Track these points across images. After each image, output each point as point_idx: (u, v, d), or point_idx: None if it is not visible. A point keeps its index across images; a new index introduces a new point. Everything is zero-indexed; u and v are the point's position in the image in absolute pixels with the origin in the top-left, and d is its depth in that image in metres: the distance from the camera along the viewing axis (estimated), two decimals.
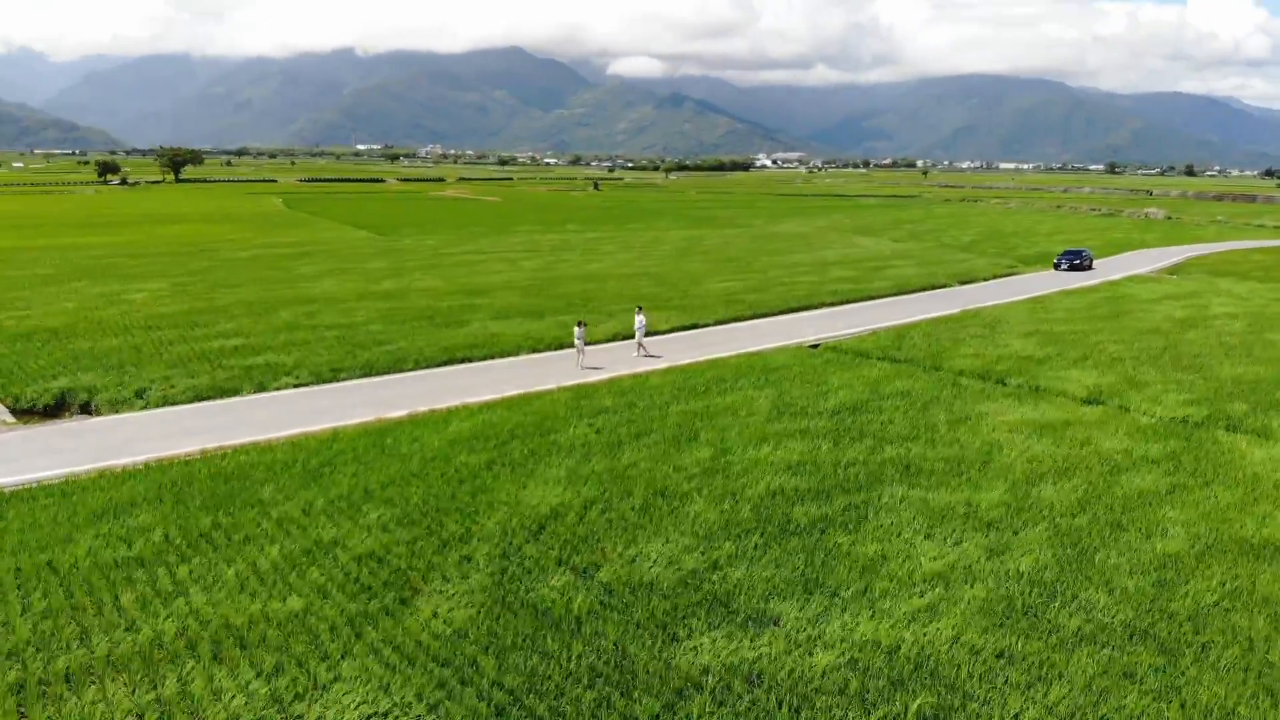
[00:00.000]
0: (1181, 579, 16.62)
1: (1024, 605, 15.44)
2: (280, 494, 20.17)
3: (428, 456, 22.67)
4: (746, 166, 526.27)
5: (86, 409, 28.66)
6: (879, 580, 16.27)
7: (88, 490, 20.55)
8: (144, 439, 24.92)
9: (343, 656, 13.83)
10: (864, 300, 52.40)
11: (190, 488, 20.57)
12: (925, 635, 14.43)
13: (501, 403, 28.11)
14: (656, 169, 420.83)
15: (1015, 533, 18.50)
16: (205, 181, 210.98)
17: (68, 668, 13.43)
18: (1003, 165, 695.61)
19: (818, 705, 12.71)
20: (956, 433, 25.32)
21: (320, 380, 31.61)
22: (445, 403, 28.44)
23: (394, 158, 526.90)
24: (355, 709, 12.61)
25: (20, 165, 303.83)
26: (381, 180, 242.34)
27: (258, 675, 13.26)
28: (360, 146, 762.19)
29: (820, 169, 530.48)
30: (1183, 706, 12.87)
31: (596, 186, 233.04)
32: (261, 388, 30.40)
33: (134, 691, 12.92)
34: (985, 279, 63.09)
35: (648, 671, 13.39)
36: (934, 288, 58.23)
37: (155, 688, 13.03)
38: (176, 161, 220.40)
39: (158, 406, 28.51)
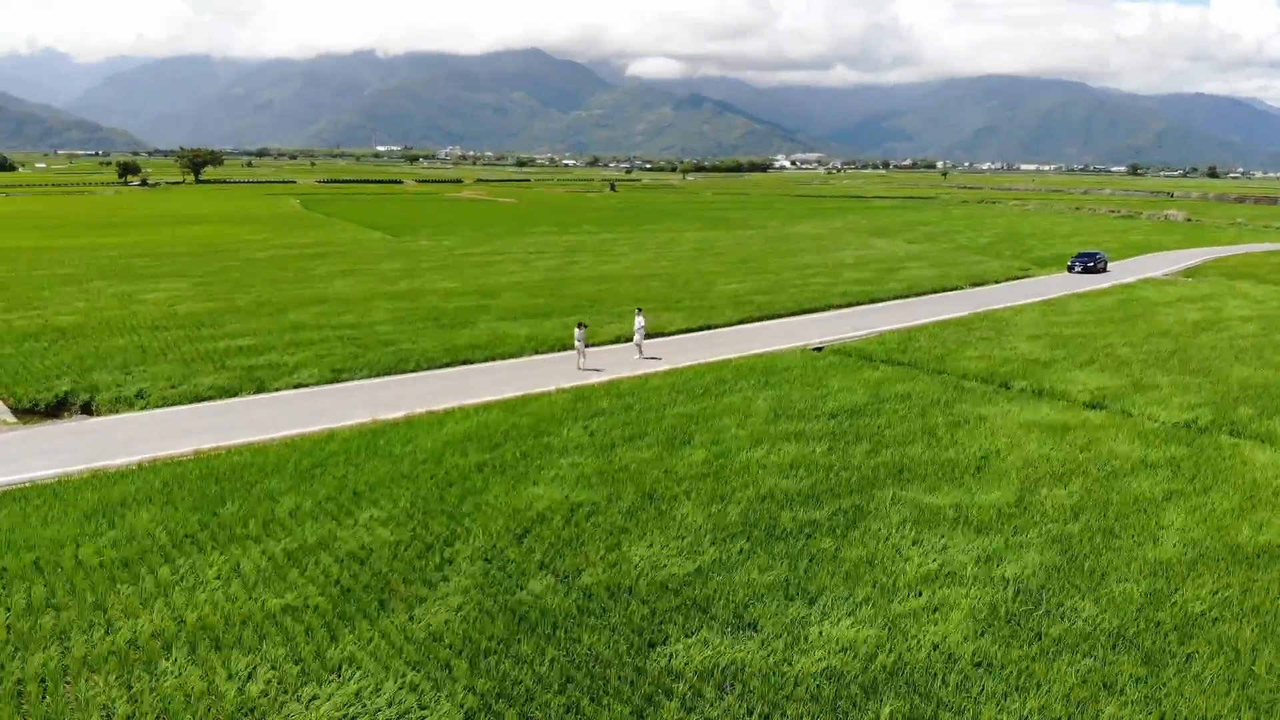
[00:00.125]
0: (1172, 587, 16.37)
1: (1008, 613, 15.24)
2: (269, 495, 20.19)
3: (420, 459, 22.65)
4: (765, 167, 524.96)
5: (87, 409, 28.83)
6: (862, 586, 16.11)
7: (80, 490, 20.65)
8: (141, 439, 25.04)
9: (316, 657, 13.80)
10: (874, 302, 52.17)
11: (181, 489, 20.62)
12: (904, 642, 14.26)
13: (498, 404, 28.08)
14: (673, 170, 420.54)
15: (1005, 539, 18.28)
16: (224, 182, 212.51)
17: (42, 666, 13.46)
18: (1023, 166, 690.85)
19: (788, 712, 12.58)
20: (954, 436, 25.09)
21: (322, 381, 31.69)
22: (443, 404, 28.44)
23: (413, 159, 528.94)
24: (329, 712, 12.56)
25: (43, 166, 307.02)
26: (399, 182, 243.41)
27: (230, 677, 13.24)
28: (380, 148, 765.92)
29: (839, 170, 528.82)
30: (1162, 718, 12.66)
31: (613, 188, 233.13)
32: (261, 388, 30.50)
33: (106, 691, 12.92)
34: (997, 281, 62.70)
35: (619, 677, 13.29)
36: (946, 290, 57.90)
37: (128, 687, 13.03)
38: (196, 162, 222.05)
39: (158, 407, 28.65)
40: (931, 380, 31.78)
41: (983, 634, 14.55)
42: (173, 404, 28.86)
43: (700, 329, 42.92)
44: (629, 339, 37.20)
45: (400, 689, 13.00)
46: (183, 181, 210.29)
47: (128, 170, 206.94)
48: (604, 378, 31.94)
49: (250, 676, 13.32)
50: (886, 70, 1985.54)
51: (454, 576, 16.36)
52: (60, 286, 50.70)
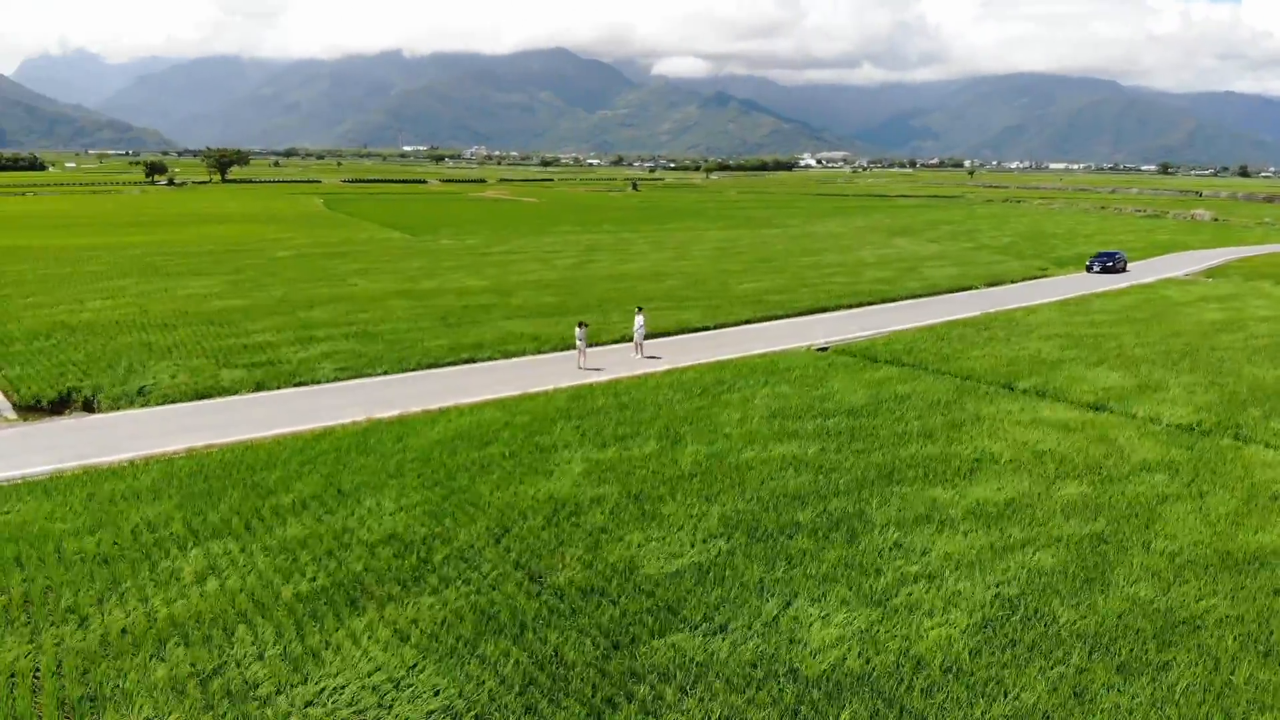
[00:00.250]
0: (1156, 593, 16.06)
1: (984, 619, 14.99)
2: (255, 493, 20.25)
3: (408, 458, 22.66)
4: (790, 166, 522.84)
5: (89, 406, 29.06)
6: (839, 589, 15.91)
7: (72, 487, 20.79)
8: (138, 436, 25.20)
9: (283, 656, 13.79)
10: (886, 302, 51.81)
11: (169, 486, 20.74)
12: (873, 647, 14.06)
13: (494, 403, 28.06)
14: (697, 169, 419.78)
15: (991, 543, 18.00)
16: (250, 182, 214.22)
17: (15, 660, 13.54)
18: (1052, 166, 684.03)
19: (748, 716, 12.42)
20: (951, 437, 24.79)
21: (324, 379, 31.80)
22: (440, 403, 28.46)
23: (439, 159, 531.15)
24: (285, 709, 12.54)
25: (73, 165, 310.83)
26: (423, 181, 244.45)
27: (194, 674, 13.25)
28: (406, 148, 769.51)
29: (865, 169, 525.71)
30: None
31: (635, 187, 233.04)
32: (261, 386, 30.63)
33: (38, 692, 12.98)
34: (1013, 281, 62.08)
35: (581, 679, 13.18)
36: (961, 290, 57.40)
37: (63, 688, 13.07)
38: (223, 162, 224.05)
39: (158, 404, 28.84)
40: (934, 380, 31.45)
41: (954, 640, 14.32)
42: (173, 401, 29.04)
43: (707, 328, 42.76)
44: (631, 339, 37.13)
45: (362, 689, 12.95)
46: (209, 181, 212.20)
47: (154, 170, 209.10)
48: (603, 377, 31.85)
49: (216, 673, 13.33)
50: (914, 68, 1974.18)
51: (428, 576, 16.32)
52: (81, 284, 51.16)
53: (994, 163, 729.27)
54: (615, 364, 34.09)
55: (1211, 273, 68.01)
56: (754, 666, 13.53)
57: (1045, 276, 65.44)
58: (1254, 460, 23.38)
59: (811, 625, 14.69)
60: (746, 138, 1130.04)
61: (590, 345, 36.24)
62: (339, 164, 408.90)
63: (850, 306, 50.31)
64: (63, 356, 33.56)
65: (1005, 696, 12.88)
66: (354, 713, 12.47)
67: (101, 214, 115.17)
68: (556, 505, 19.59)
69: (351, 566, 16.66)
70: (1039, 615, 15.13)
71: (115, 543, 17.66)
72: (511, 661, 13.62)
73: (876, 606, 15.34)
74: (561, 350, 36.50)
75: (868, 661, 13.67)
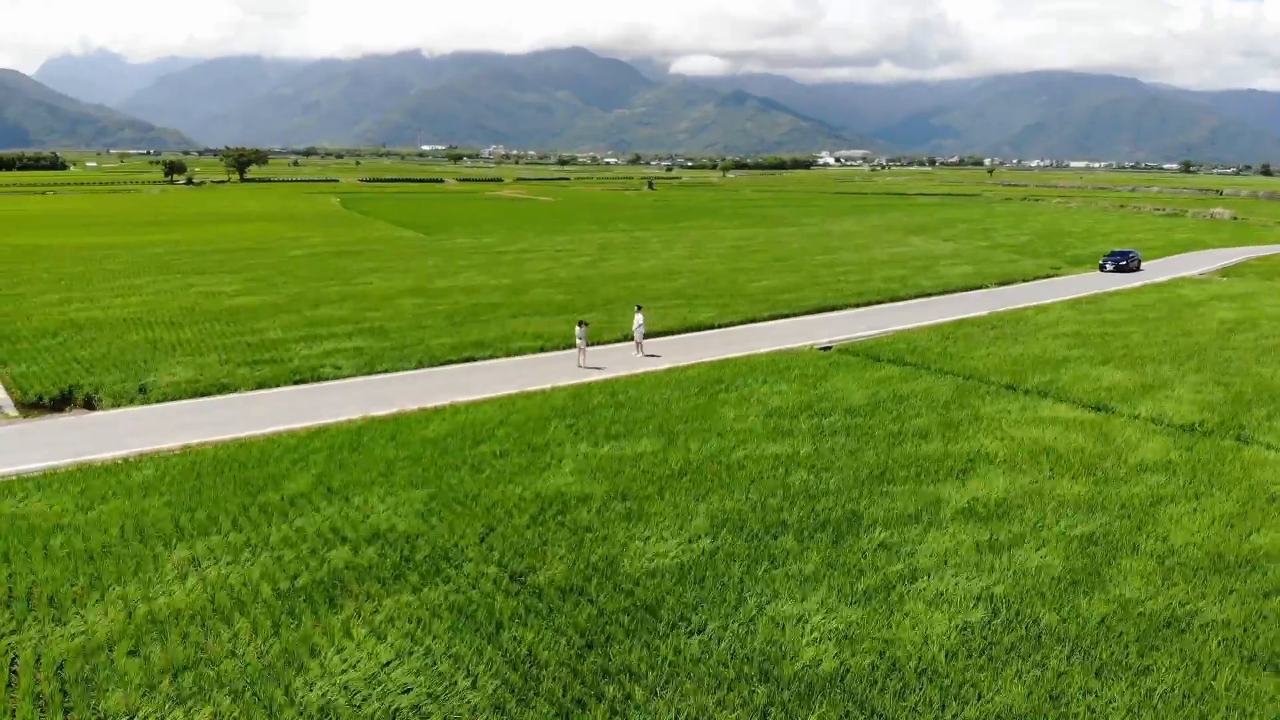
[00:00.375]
0: (1143, 595, 15.85)
1: (964, 621, 14.84)
2: (245, 491, 20.32)
3: (400, 456, 22.68)
4: (808, 164, 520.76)
5: (90, 403, 29.24)
6: (818, 590, 15.79)
7: (64, 484, 20.91)
8: (135, 434, 25.32)
9: (260, 656, 13.80)
10: (899, 301, 51.55)
11: (161, 483, 20.83)
12: (850, 649, 13.94)
13: (490, 402, 28.07)
14: (714, 168, 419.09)
15: (978, 546, 17.82)
16: (268, 181, 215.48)
17: None
18: (1073, 164, 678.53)
19: (717, 717, 12.33)
20: (947, 437, 24.59)
21: (327, 377, 31.90)
22: (439, 401, 28.47)
23: (457, 158, 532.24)
24: None
25: (94, 165, 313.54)
26: (440, 180, 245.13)
27: (167, 670, 13.28)
28: (425, 147, 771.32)
29: (885, 167, 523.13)
30: None
31: (651, 186, 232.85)
32: (263, 384, 30.74)
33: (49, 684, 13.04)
34: (1025, 280, 61.60)
35: (553, 679, 13.13)
36: (972, 289, 57.01)
37: (39, 683, 13.12)
38: (241, 161, 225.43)
39: (158, 401, 28.98)
40: (936, 380, 31.21)
41: (932, 642, 14.17)
42: (174, 399, 29.18)
43: (713, 327, 42.66)
44: (645, 336, 37.08)
45: (332, 686, 12.95)
46: (227, 180, 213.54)
47: (173, 169, 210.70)
48: (602, 376, 31.80)
49: (186, 668, 13.35)
50: (934, 67, 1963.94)
51: (409, 574, 16.31)
52: (93, 283, 51.59)
53: (1014, 161, 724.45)
54: (615, 363, 34.03)
55: (1227, 272, 67.27)
56: (726, 667, 13.43)
57: (1058, 275, 64.91)
58: (1254, 462, 23.07)
59: (788, 626, 14.58)
60: (764, 136, 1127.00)
61: (593, 344, 36.21)
62: (357, 163, 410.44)
63: (860, 305, 50.09)
64: (68, 354, 33.82)
65: (979, 699, 12.73)
66: (321, 710, 12.45)
67: (120, 213, 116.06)
68: (544, 504, 19.55)
69: (334, 565, 16.66)
70: (1021, 618, 14.96)
71: (103, 539, 17.74)
72: (484, 661, 13.58)
73: (857, 608, 15.21)
74: (565, 349, 36.46)
75: (843, 663, 13.55)
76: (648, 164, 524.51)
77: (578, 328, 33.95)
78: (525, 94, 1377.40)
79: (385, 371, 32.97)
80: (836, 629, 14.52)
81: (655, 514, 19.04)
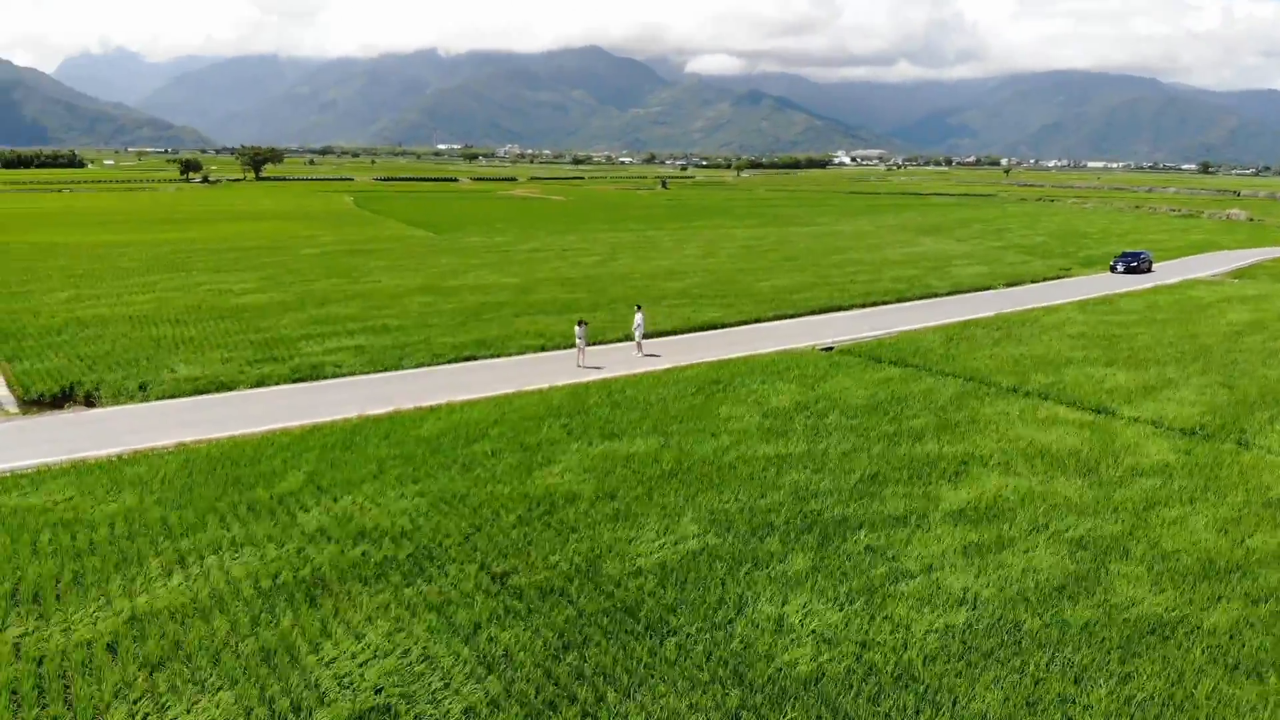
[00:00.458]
0: (1130, 601, 15.68)
1: (945, 625, 14.71)
2: (234, 489, 20.37)
3: (391, 455, 22.70)
4: (823, 164, 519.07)
5: (90, 401, 29.38)
6: (799, 593, 15.69)
7: (57, 480, 21.01)
8: (133, 431, 25.42)
9: (234, 654, 13.81)
10: (906, 301, 51.31)
11: (153, 480, 20.90)
12: (827, 652, 13.85)
13: (485, 401, 28.06)
14: (729, 166, 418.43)
15: (965, 549, 17.68)
16: (283, 180, 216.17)
17: None
18: (1091, 164, 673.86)
19: None
20: (942, 439, 24.42)
21: (329, 375, 31.97)
22: (437, 399, 28.48)
23: (472, 157, 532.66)
24: (225, 707, 12.56)
25: (111, 163, 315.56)
26: (455, 179, 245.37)
27: (144, 666, 13.30)
28: (441, 146, 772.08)
29: (900, 166, 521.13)
30: None
31: (664, 185, 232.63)
32: (262, 382, 30.84)
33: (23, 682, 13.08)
34: (1034, 281, 61.21)
35: (527, 680, 13.09)
36: (981, 290, 56.69)
37: (16, 679, 13.17)
38: (257, 160, 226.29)
39: (158, 399, 29.11)
40: (936, 381, 31.03)
41: (912, 646, 14.06)
42: (174, 396, 29.29)
43: (717, 327, 42.56)
44: (646, 336, 37.03)
45: (300, 687, 12.94)
46: (243, 178, 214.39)
47: (189, 167, 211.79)
48: (600, 376, 31.75)
49: (159, 666, 13.37)
50: (950, 66, 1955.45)
51: (391, 574, 16.30)
52: (103, 281, 51.89)
53: (1031, 161, 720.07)
54: (615, 362, 33.99)
55: (1239, 273, 66.68)
56: (701, 670, 13.36)
57: (1068, 277, 64.48)
58: (1252, 466, 22.82)
59: (767, 629, 14.50)
60: (780, 135, 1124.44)
61: (596, 344, 36.22)
62: (373, 162, 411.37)
63: (867, 306, 49.90)
64: (72, 351, 34.01)
65: (953, 705, 12.62)
66: (291, 707, 12.44)
67: (134, 211, 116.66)
68: (531, 504, 19.52)
69: (317, 563, 16.67)
70: (1003, 622, 14.83)
71: (90, 536, 17.82)
72: (460, 661, 13.56)
73: (838, 611, 15.11)
74: (567, 348, 36.41)
75: (819, 667, 13.45)
76: (662, 163, 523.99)
77: (577, 327, 33.93)
78: (541, 93, 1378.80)
79: (386, 370, 33.01)
80: (815, 632, 14.43)
81: (642, 515, 18.98)
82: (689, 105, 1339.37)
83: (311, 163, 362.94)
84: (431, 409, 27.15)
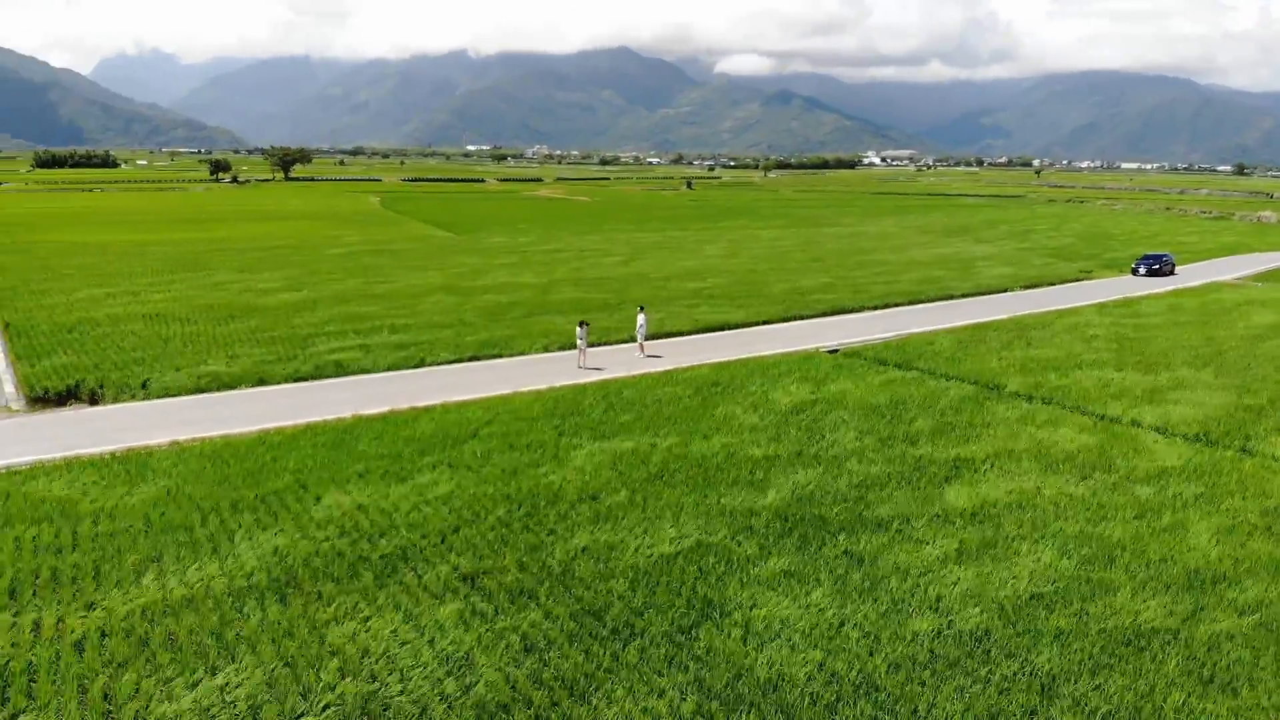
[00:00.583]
0: (1109, 611, 15.36)
1: (913, 633, 14.47)
2: (221, 487, 20.48)
3: (380, 454, 22.73)
4: (852, 164, 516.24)
5: (94, 398, 29.67)
6: (771, 597, 15.51)
7: (50, 476, 21.21)
8: (130, 429, 25.63)
9: (196, 651, 13.84)
10: (922, 303, 50.85)
11: (142, 478, 21.06)
12: (791, 658, 13.66)
13: (481, 402, 28.05)
14: (756, 167, 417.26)
15: (943, 557, 17.40)
16: (312, 180, 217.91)
17: None
18: (1125, 165, 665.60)
19: None
20: (935, 443, 24.12)
21: (325, 375, 32.11)
22: (434, 399, 28.49)
23: (501, 158, 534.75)
24: (190, 705, 12.58)
25: (144, 163, 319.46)
26: (481, 180, 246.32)
27: (110, 664, 13.36)
28: (470, 147, 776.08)
29: (931, 167, 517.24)
30: None
31: (689, 185, 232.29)
32: (262, 381, 31.02)
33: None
34: (1051, 284, 60.42)
35: (485, 684, 13.01)
36: (998, 292, 56.06)
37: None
38: (286, 160, 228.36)
39: (160, 397, 29.35)
40: (938, 384, 30.67)
41: (877, 652, 13.85)
42: (175, 395, 29.52)
43: (727, 328, 42.35)
44: (651, 335, 36.92)
45: (262, 684, 12.94)
46: (272, 179, 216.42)
47: (219, 168, 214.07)
48: (599, 377, 31.66)
49: (125, 665, 13.42)
50: (983, 66, 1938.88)
51: (364, 573, 16.30)
52: (121, 280, 52.48)
53: (1065, 162, 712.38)
54: (616, 364, 33.89)
55: (1265, 276, 65.51)
56: (661, 675, 13.23)
57: (1089, 279, 63.62)
58: (1253, 474, 22.32)
59: (733, 633, 14.34)
60: (810, 136, 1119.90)
61: (603, 344, 36.23)
62: (402, 163, 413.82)
63: (882, 307, 49.47)
64: (82, 349, 34.40)
65: (913, 715, 12.40)
66: (249, 708, 12.44)
67: (162, 210, 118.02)
68: (513, 505, 19.47)
69: (291, 563, 16.69)
70: (973, 631, 14.57)
71: (73, 533, 17.95)
72: (421, 662, 13.51)
73: (808, 616, 14.91)
74: (572, 349, 36.37)
75: (780, 673, 13.28)
76: (690, 164, 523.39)
77: (578, 328, 33.88)
78: (570, 94, 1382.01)
79: (390, 370, 33.11)
80: (782, 636, 14.26)
81: (622, 517, 18.87)
82: (718, 105, 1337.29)
83: (341, 163, 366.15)
84: (426, 409, 27.17)
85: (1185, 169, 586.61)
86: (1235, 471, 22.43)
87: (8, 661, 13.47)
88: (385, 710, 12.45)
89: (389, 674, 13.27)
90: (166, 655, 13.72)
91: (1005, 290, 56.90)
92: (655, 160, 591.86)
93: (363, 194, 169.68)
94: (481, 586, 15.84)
